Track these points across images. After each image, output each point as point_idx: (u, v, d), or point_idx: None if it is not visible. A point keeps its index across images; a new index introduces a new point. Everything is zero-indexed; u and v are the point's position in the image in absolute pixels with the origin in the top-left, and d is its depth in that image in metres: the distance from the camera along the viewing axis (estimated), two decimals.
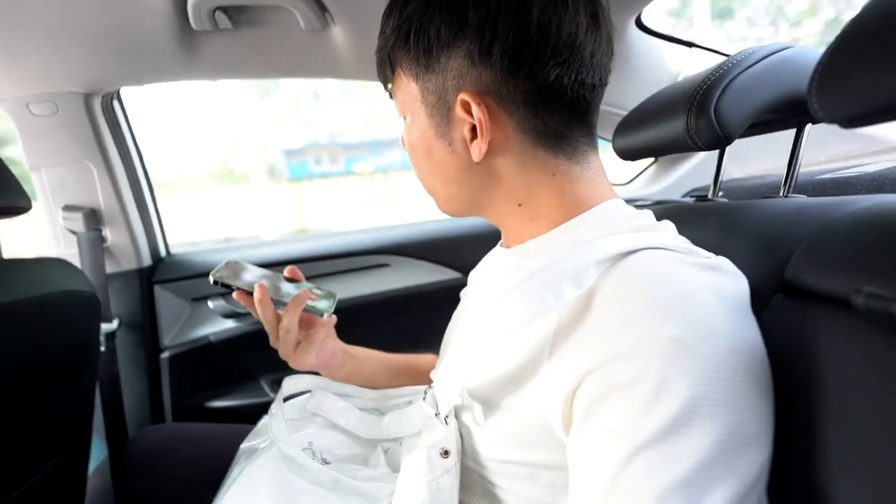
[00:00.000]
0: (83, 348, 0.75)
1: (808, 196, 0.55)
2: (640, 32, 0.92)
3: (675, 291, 0.32)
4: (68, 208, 1.02)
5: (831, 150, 0.89)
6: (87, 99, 0.96)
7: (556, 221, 0.42)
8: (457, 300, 0.60)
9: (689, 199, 0.77)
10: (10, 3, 0.74)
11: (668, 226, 0.43)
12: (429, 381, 0.56)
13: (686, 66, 0.98)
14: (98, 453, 1.01)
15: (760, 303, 0.36)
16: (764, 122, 0.58)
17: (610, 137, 0.75)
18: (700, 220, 0.55)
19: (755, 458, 0.29)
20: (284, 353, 0.56)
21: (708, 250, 0.39)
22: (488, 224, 0.48)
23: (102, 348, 1.00)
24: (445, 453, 0.40)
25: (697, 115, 0.51)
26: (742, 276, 0.36)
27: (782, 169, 0.58)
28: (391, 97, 0.48)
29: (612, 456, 0.30)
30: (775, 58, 0.52)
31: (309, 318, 0.59)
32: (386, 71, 0.45)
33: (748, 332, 0.32)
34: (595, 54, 0.39)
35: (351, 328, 0.79)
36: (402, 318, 1.15)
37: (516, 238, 0.46)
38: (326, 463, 0.50)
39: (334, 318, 0.59)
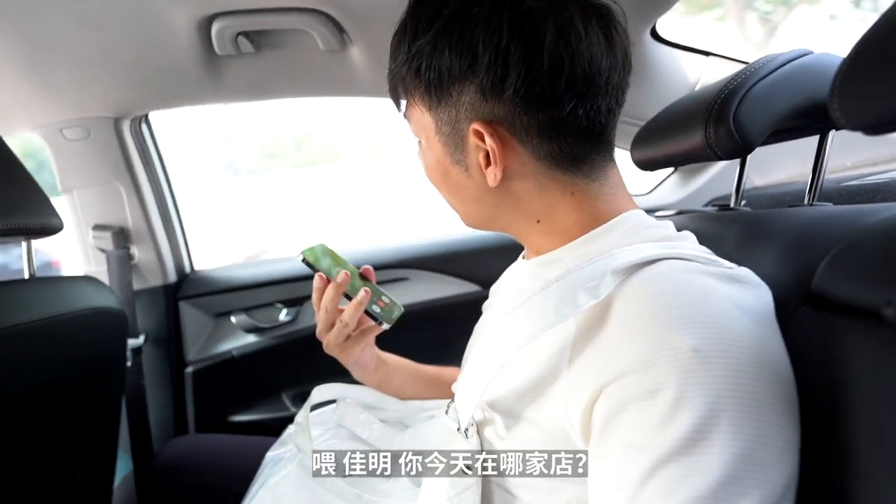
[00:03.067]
0: (111, 363, 0.77)
1: (835, 204, 0.53)
2: (655, 43, 0.91)
3: (694, 302, 0.31)
4: (98, 227, 1.05)
5: (858, 155, 0.87)
6: (117, 123, 1.00)
7: (574, 235, 0.42)
8: (478, 313, 0.60)
9: (711, 209, 0.75)
10: (45, 34, 0.78)
11: (688, 236, 0.42)
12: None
13: (704, 75, 0.97)
14: (123, 466, 1.03)
15: (786, 315, 0.35)
16: (786, 130, 0.57)
17: (628, 147, 0.74)
18: (722, 229, 0.54)
19: (780, 473, 0.29)
20: (333, 342, 0.56)
21: (731, 261, 0.38)
22: (508, 237, 0.48)
23: (129, 363, 1.03)
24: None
25: (716, 125, 0.51)
26: (765, 288, 0.36)
27: (807, 176, 0.57)
28: (405, 119, 0.48)
29: (632, 470, 0.29)
30: (795, 64, 0.52)
31: (363, 320, 0.60)
32: (398, 97, 0.46)
33: (771, 344, 0.32)
34: (611, 79, 0.39)
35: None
36: (422, 332, 1.15)
37: (536, 251, 0.46)
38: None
39: (386, 328, 0.59)
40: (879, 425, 0.28)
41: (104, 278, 1.05)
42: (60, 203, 1.04)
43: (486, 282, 0.60)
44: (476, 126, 0.40)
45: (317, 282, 0.56)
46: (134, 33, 0.80)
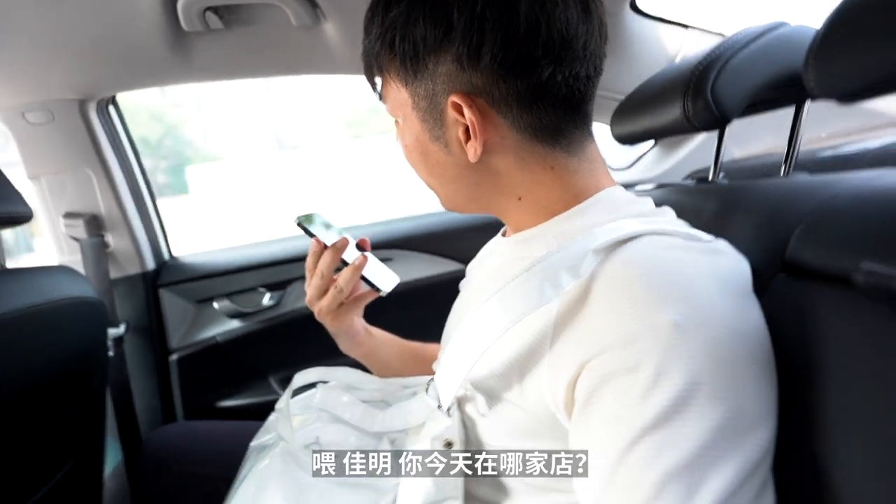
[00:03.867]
0: (91, 354, 0.75)
1: (810, 174, 0.54)
2: (634, 15, 0.90)
3: (673, 276, 0.32)
4: (69, 215, 1.02)
5: (833, 126, 0.88)
6: (82, 105, 0.96)
7: (556, 212, 0.42)
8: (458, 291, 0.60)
9: (690, 182, 0.76)
10: (1, 13, 0.73)
11: (667, 211, 0.42)
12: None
13: (683, 48, 0.97)
14: (113, 456, 1.03)
15: (762, 284, 0.36)
16: (763, 101, 0.58)
17: (608, 122, 0.74)
18: (701, 202, 0.55)
19: (757, 440, 0.30)
20: (326, 309, 0.56)
21: (709, 233, 0.38)
22: (490, 215, 0.48)
23: (111, 353, 1.01)
24: (448, 445, 0.41)
25: (695, 97, 0.51)
26: (742, 258, 0.36)
27: (784, 148, 0.58)
28: (381, 99, 0.47)
29: (613, 443, 0.30)
30: (771, 36, 0.52)
31: (357, 285, 0.60)
32: (373, 75, 0.45)
33: (749, 314, 0.32)
34: (588, 45, 0.38)
35: None
36: (407, 311, 1.15)
37: (516, 228, 0.46)
38: None
39: (382, 295, 0.60)
40: (851, 385, 0.30)
41: (79, 267, 1.02)
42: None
43: (469, 260, 0.60)
44: (454, 98, 0.39)
45: (313, 245, 0.56)
46: (95, 10, 0.76)
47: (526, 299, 0.35)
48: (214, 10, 0.79)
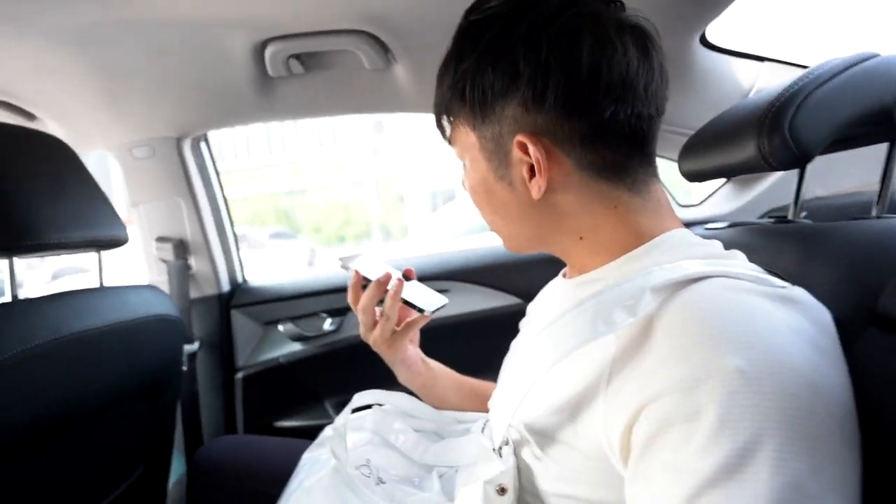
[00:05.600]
0: (168, 367, 0.81)
1: None
2: (705, 50, 0.88)
3: (740, 321, 0.30)
4: (161, 239, 1.13)
5: None
6: (179, 142, 1.07)
7: (617, 254, 0.42)
8: (518, 327, 0.59)
9: (767, 221, 0.71)
10: (121, 63, 0.85)
11: (737, 254, 0.40)
12: None
13: (759, 81, 0.93)
14: (178, 467, 1.08)
15: (850, 337, 0.33)
16: (850, 138, 0.53)
17: (675, 157, 0.72)
18: (779, 243, 0.51)
19: None
20: (379, 339, 0.58)
21: (788, 277, 0.36)
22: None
23: (185, 368, 1.08)
24: (502, 490, 0.39)
25: (771, 134, 0.48)
26: (822, 308, 0.33)
27: (875, 186, 0.53)
28: (450, 144, 0.49)
29: (675, 495, 0.28)
30: (859, 68, 0.48)
31: (405, 314, 0.61)
32: (444, 123, 0.47)
33: (828, 369, 0.30)
34: (649, 87, 0.39)
35: None
36: (462, 344, 1.14)
37: (578, 270, 0.46)
38: (382, 482, 0.51)
39: (430, 317, 0.60)
40: None
41: (164, 287, 1.12)
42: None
43: (527, 294, 0.59)
44: (520, 138, 0.40)
45: (353, 279, 0.57)
46: (196, 59, 0.86)
47: (577, 334, 0.35)
48: (297, 56, 0.87)
